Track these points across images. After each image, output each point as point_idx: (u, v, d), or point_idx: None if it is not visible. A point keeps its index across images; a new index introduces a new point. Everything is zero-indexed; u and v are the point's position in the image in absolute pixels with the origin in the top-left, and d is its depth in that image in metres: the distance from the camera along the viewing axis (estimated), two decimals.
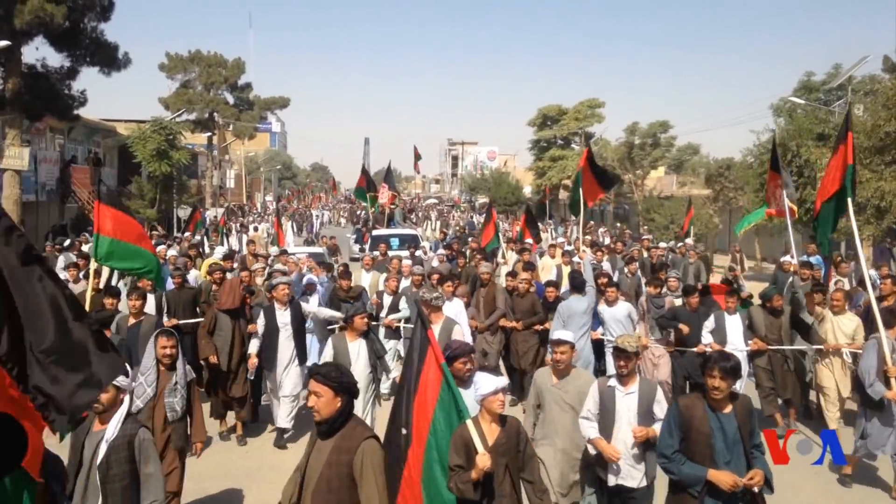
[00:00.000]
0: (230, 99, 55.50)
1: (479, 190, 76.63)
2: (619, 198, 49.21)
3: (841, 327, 9.69)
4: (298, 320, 10.04)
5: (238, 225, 37.36)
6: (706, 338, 10.31)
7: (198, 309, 11.87)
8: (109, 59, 28.31)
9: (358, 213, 62.24)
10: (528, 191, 66.05)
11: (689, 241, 21.24)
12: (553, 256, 17.99)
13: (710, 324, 10.37)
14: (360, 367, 8.16)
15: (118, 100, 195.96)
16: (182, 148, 36.39)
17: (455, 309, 10.21)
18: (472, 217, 51.55)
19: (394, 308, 12.03)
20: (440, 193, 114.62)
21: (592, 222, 42.78)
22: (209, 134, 54.29)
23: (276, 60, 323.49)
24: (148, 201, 34.33)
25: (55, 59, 30.58)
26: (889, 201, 18.23)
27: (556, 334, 6.71)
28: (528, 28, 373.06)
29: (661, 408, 6.04)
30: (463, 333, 8.98)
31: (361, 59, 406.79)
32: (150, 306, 10.86)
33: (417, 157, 38.45)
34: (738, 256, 23.65)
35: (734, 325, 10.37)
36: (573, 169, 50.69)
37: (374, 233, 26.34)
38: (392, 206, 30.83)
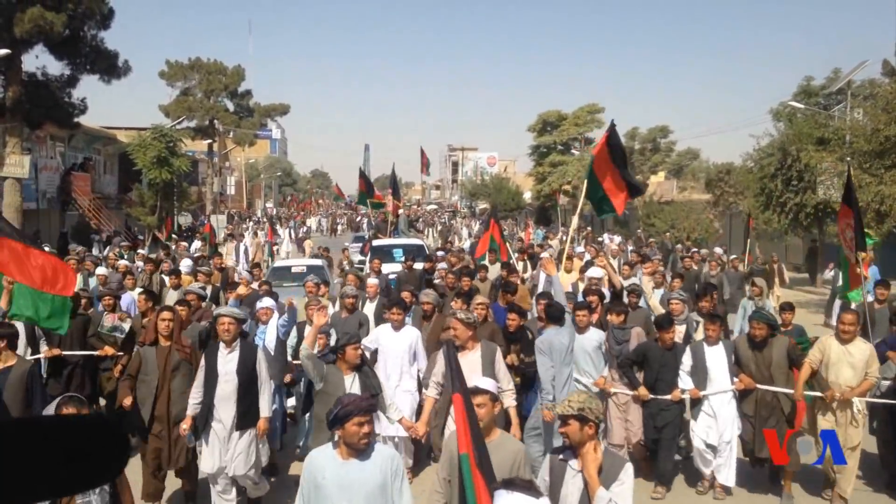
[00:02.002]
0: (230, 106, 55.62)
1: (479, 196, 76.68)
2: None
3: (849, 360, 7.73)
4: (248, 367, 7.23)
5: (230, 233, 36.03)
6: (684, 381, 8.20)
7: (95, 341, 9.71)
8: (109, 66, 28.39)
9: (357, 219, 61.99)
10: (527, 196, 66.09)
11: (717, 249, 19.76)
12: (569, 271, 14.48)
13: (687, 361, 8.22)
14: None
15: (118, 107, 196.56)
16: (182, 155, 36.41)
17: (407, 341, 8.54)
18: (474, 224, 51.28)
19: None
20: (440, 199, 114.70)
21: (590, 229, 42.78)
22: (209, 141, 54.37)
23: (276, 67, 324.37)
24: (148, 208, 34.35)
25: (55, 68, 30.73)
26: (889, 205, 18.19)
27: (475, 381, 5.08)
28: (527, 34, 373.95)
29: (622, 490, 4.29)
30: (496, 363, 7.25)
31: (361, 65, 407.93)
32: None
33: (425, 162, 36.54)
34: (775, 268, 18.19)
35: (717, 359, 8.16)
36: (573, 174, 50.81)
37: (375, 243, 23.60)
38: (396, 215, 28.66)
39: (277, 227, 45.79)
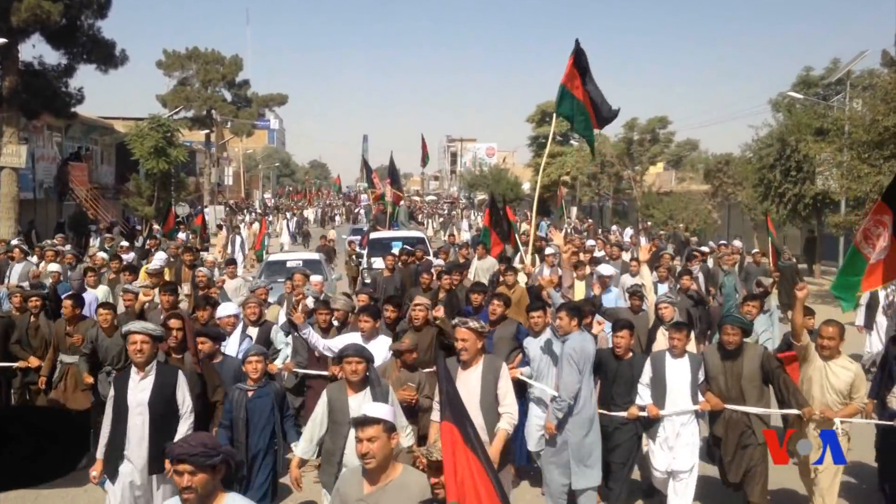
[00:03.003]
0: (228, 96, 55.45)
1: (478, 187, 76.57)
2: (619, 194, 49.20)
3: (829, 379, 6.74)
4: (164, 397, 5.92)
5: (230, 224, 35.44)
6: (643, 396, 7.18)
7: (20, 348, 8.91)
8: (106, 56, 28.31)
9: (355, 210, 61.72)
10: (526, 187, 66.00)
11: (736, 243, 17.67)
12: (583, 277, 12.74)
13: (646, 374, 7.19)
14: None
15: (116, 97, 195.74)
16: (180, 145, 36.33)
17: (378, 353, 7.04)
18: (473, 215, 51.05)
19: (265, 345, 8.38)
20: (439, 190, 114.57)
21: (590, 220, 42.71)
22: (207, 131, 54.26)
23: (274, 57, 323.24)
24: (146, 199, 34.30)
25: (52, 57, 30.54)
26: None
27: (364, 409, 4.25)
28: (526, 24, 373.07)
29: None
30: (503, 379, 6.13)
31: (359, 56, 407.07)
32: None
33: (425, 151, 34.73)
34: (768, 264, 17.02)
35: (679, 373, 7.08)
36: (572, 165, 50.71)
37: (374, 235, 22.47)
38: (397, 205, 27.68)
39: (272, 217, 45.59)
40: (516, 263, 13.80)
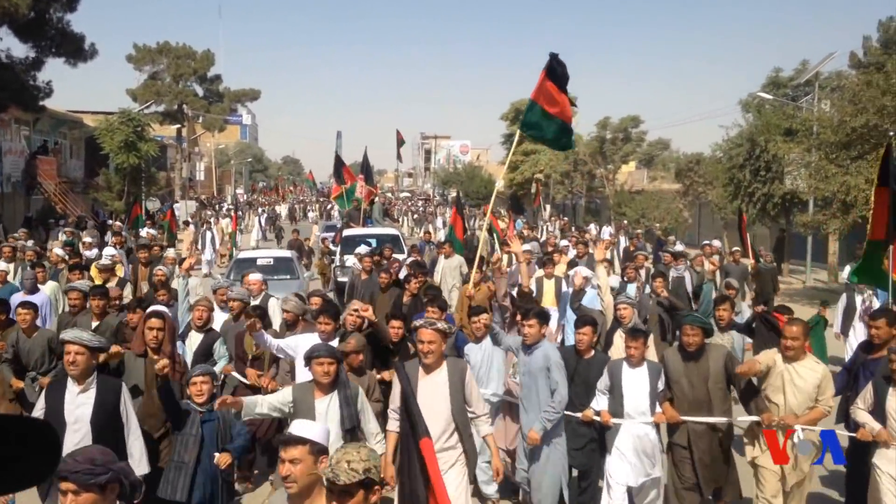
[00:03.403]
0: (199, 91, 54.97)
1: (451, 184, 76.66)
2: (591, 192, 49.48)
3: (795, 381, 6.28)
4: (107, 412, 5.43)
5: (199, 219, 34.40)
6: (599, 401, 6.82)
7: None
8: (75, 49, 27.95)
9: (328, 207, 61.24)
10: (500, 185, 66.20)
11: (716, 242, 16.83)
12: (550, 276, 12.42)
13: (604, 380, 6.82)
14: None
15: (85, 91, 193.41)
16: (150, 140, 35.94)
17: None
18: (448, 212, 50.88)
19: (203, 355, 7.88)
20: (413, 187, 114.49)
21: (565, 218, 42.91)
22: (178, 126, 53.76)
23: (247, 52, 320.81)
24: (116, 193, 33.91)
25: (20, 50, 30.11)
26: (855, 196, 18.49)
27: (293, 426, 3.83)
28: (500, 22, 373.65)
29: None
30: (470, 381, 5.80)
31: (333, 52, 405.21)
32: None
33: (401, 142, 33.67)
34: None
35: (637, 384, 6.69)
36: (545, 163, 50.88)
37: (347, 232, 21.71)
38: (370, 202, 26.54)
39: (242, 213, 44.98)
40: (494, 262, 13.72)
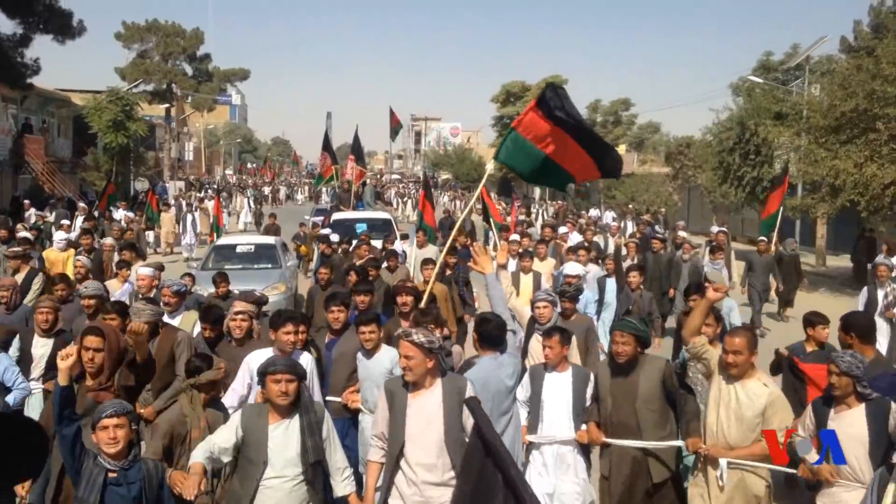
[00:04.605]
0: (188, 70, 54.61)
1: (441, 166, 76.55)
2: None
3: (730, 404, 5.12)
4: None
5: (180, 202, 32.48)
6: (522, 413, 5.84)
7: None
8: (63, 26, 27.71)
9: (317, 189, 60.84)
10: (490, 168, 66.15)
11: (714, 229, 16.34)
12: (527, 270, 10.64)
13: (523, 390, 5.83)
14: (282, 468, 4.45)
15: (73, 69, 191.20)
16: (139, 119, 35.77)
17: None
18: (440, 196, 50.66)
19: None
20: (403, 169, 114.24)
21: (561, 202, 42.85)
22: (167, 105, 53.40)
23: (236, 31, 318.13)
24: (104, 173, 33.70)
25: (7, 27, 29.75)
26: (843, 180, 18.60)
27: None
28: (491, 3, 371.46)
29: None
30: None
31: (324, 31, 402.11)
32: None
33: (397, 127, 31.38)
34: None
35: (558, 391, 5.78)
36: None
37: (337, 216, 20.48)
38: (361, 184, 25.45)
39: (226, 194, 44.55)
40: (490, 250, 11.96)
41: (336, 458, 4.69)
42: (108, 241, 13.54)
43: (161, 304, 7.17)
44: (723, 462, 5.04)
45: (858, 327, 5.91)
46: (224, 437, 4.48)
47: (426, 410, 4.56)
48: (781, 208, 17.24)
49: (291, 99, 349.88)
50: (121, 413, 4.12)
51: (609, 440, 5.53)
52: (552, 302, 7.29)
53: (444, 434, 4.51)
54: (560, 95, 7.81)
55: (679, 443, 5.52)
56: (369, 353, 6.15)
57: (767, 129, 23.26)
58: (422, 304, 7.16)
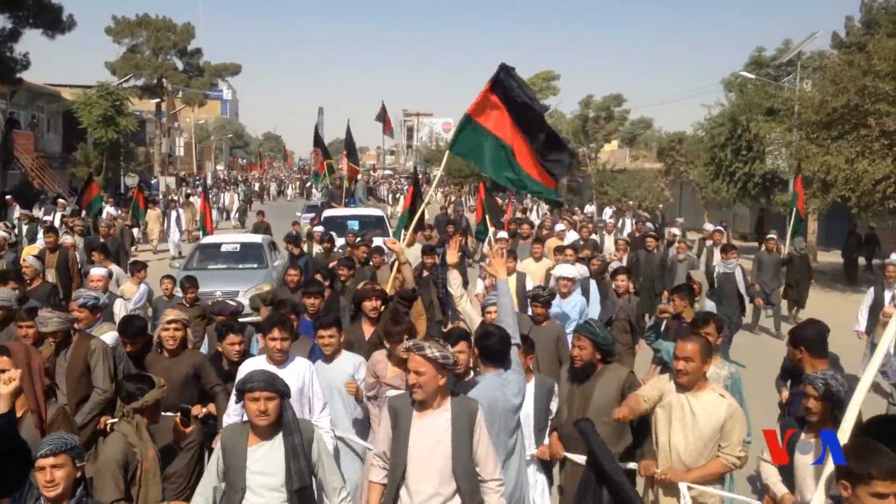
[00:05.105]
0: (179, 65, 54.27)
1: (434, 162, 76.49)
2: (574, 170, 49.50)
3: (685, 418, 4.75)
4: None
5: (166, 198, 32.17)
6: None
7: None
8: (53, 21, 27.61)
9: (308, 185, 60.77)
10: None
11: (708, 226, 15.96)
12: (539, 258, 11.05)
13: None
14: (263, 494, 4.12)
15: (63, 64, 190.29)
16: (129, 114, 35.59)
17: (295, 382, 5.20)
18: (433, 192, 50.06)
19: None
20: (395, 165, 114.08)
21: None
22: (157, 100, 53.13)
23: (227, 26, 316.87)
24: (94, 168, 33.54)
25: None
26: (835, 175, 18.64)
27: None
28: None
29: None
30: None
31: (315, 26, 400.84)
32: None
33: (388, 120, 30.93)
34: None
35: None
36: None
37: (328, 213, 20.05)
38: (352, 181, 25.08)
39: (215, 190, 44.29)
40: (483, 250, 11.79)
41: (331, 478, 4.34)
42: (69, 239, 13.09)
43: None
44: (682, 487, 4.61)
45: (807, 341, 5.29)
46: (211, 471, 4.18)
47: (433, 432, 4.17)
48: (798, 208, 16.99)
49: (283, 94, 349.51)
50: (58, 451, 3.58)
51: (567, 454, 5.14)
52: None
53: (451, 460, 4.13)
54: (514, 77, 7.56)
55: (632, 465, 5.03)
56: (328, 359, 5.82)
57: (759, 124, 23.27)
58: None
